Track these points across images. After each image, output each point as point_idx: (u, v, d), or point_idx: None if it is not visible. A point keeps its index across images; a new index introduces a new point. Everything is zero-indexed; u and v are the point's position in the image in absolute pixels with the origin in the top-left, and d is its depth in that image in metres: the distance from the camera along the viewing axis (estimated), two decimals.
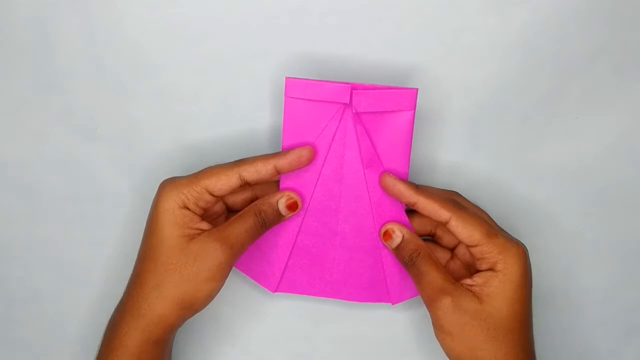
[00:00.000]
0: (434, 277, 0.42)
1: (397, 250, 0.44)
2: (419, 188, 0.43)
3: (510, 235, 0.43)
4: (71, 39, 0.47)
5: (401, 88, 0.43)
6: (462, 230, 0.42)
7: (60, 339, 0.51)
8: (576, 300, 0.50)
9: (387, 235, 0.44)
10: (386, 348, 0.50)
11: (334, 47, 0.47)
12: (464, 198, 0.45)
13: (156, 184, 0.44)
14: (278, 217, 0.44)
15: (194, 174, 0.43)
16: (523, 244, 0.43)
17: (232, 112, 0.48)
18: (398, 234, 0.44)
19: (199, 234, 0.42)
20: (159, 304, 0.42)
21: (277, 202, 0.44)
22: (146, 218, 0.44)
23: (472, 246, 0.42)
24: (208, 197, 0.43)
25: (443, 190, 0.45)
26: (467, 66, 0.47)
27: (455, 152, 0.48)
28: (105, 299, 0.50)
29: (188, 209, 0.43)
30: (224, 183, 0.43)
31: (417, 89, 0.43)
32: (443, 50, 0.46)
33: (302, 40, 0.47)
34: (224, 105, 0.48)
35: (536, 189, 0.49)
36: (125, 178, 0.48)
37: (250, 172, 0.43)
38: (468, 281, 0.42)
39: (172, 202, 0.42)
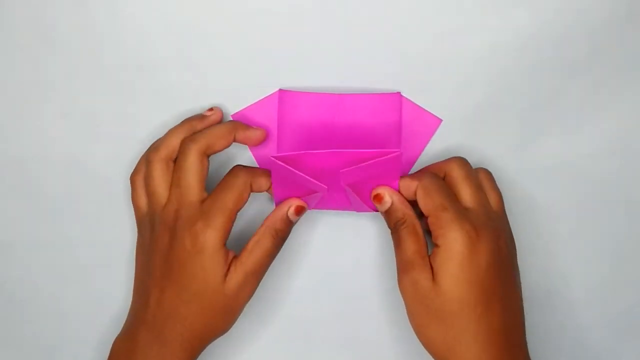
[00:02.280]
0: (408, 247, 0.42)
1: (386, 215, 0.44)
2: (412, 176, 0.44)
3: (470, 214, 0.42)
4: (71, 39, 0.47)
5: (384, 101, 0.46)
6: (420, 199, 0.43)
7: (60, 339, 0.51)
8: (575, 300, 0.50)
9: (377, 198, 0.44)
10: (386, 348, 0.50)
11: (333, 47, 0.47)
12: (462, 164, 0.44)
13: None
14: (291, 226, 0.45)
15: (216, 204, 0.42)
16: (487, 226, 0.41)
17: (231, 112, 0.48)
18: (387, 199, 0.44)
19: (229, 270, 0.43)
20: (191, 338, 0.43)
21: (287, 214, 0.44)
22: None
23: (425, 217, 0.42)
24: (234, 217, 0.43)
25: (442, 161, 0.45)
26: (467, 66, 0.47)
27: (454, 152, 0.48)
28: (105, 299, 0.50)
29: (225, 245, 0.43)
30: (244, 199, 0.43)
31: (398, 93, 0.45)
32: (443, 50, 0.46)
33: (303, 41, 0.47)
34: (224, 105, 0.48)
35: (536, 189, 0.49)
36: (125, 178, 0.48)
37: (259, 185, 0.44)
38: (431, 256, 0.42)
39: (217, 248, 0.42)
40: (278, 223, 0.44)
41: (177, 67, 0.47)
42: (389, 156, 0.41)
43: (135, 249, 0.47)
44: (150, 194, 0.44)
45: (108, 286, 0.50)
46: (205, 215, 0.42)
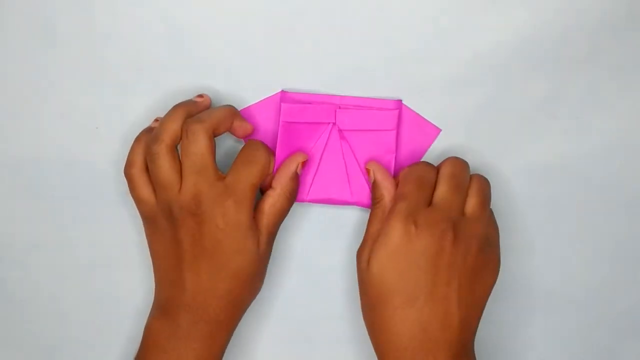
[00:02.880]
0: (371, 225, 0.45)
1: (371, 189, 0.47)
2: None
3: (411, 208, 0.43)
4: (71, 39, 0.47)
5: (384, 106, 0.46)
6: (372, 190, 0.46)
7: (60, 339, 0.51)
8: (576, 300, 0.50)
9: (367, 171, 0.47)
10: None
11: (334, 47, 0.47)
12: (453, 163, 0.45)
13: None
14: (298, 180, 0.46)
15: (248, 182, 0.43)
16: (435, 225, 0.42)
17: None
18: (371, 176, 0.46)
19: (259, 240, 0.44)
20: (234, 310, 0.44)
21: (296, 172, 0.45)
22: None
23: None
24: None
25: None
26: (467, 66, 0.47)
27: (454, 152, 0.48)
28: (105, 298, 0.50)
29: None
30: (267, 173, 0.45)
31: (398, 111, 0.46)
32: (443, 49, 0.46)
33: (303, 41, 0.47)
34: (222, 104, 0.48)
35: (536, 189, 0.49)
36: (125, 178, 0.48)
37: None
38: None
39: (251, 222, 0.43)
40: (290, 184, 0.45)
41: (177, 67, 0.47)
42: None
43: (148, 243, 0.46)
44: (160, 184, 0.43)
45: (108, 286, 0.50)
46: (232, 192, 0.42)
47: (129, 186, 0.45)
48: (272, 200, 0.45)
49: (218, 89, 0.48)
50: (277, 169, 0.46)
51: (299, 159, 0.46)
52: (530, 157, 0.48)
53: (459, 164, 0.45)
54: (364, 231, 0.45)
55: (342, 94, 0.47)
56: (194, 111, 0.45)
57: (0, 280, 0.50)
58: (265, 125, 0.47)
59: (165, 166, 0.43)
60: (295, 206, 0.47)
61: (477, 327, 0.44)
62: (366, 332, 0.49)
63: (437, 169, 0.45)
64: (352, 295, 0.50)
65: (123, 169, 0.45)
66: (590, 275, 0.50)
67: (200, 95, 0.46)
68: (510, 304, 0.48)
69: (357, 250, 0.45)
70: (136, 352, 0.45)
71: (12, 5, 0.47)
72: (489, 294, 0.44)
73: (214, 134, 0.43)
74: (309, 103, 0.47)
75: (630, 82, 0.47)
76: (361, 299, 0.45)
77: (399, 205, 0.43)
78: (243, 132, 0.46)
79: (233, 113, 0.45)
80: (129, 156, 0.45)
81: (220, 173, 0.43)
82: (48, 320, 0.51)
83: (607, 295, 0.50)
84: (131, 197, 0.45)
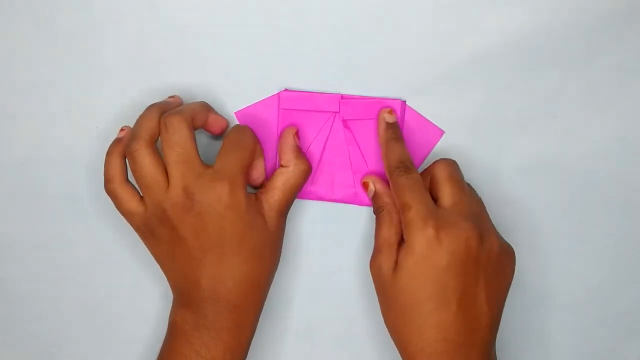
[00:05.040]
0: (381, 233, 0.45)
1: (371, 201, 0.47)
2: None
3: (432, 215, 0.42)
4: (71, 39, 0.47)
5: (388, 99, 0.47)
6: (394, 197, 0.45)
7: (60, 339, 0.51)
8: (576, 300, 0.50)
9: (364, 185, 0.47)
10: (386, 348, 0.50)
11: (334, 47, 0.47)
12: (446, 165, 0.45)
13: None
14: (304, 154, 0.47)
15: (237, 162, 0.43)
16: (455, 227, 0.42)
17: (232, 112, 0.48)
18: (371, 187, 0.47)
19: (264, 210, 0.44)
20: (257, 291, 0.45)
21: (295, 141, 0.46)
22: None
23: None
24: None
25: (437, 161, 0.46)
26: (466, 66, 0.47)
27: (454, 152, 0.48)
28: (105, 298, 0.50)
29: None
30: (253, 157, 0.45)
31: (404, 101, 0.46)
32: (442, 50, 0.46)
33: (303, 41, 0.47)
34: (224, 105, 0.48)
35: (536, 189, 0.49)
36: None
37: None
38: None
39: (248, 200, 0.43)
40: (301, 159, 0.46)
41: (177, 67, 0.47)
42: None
43: (149, 251, 0.46)
44: (146, 185, 0.42)
45: (108, 286, 0.50)
46: (224, 176, 0.42)
47: (114, 203, 0.45)
48: (285, 177, 0.45)
49: (219, 89, 0.48)
50: (281, 145, 0.46)
51: (291, 131, 0.46)
52: (531, 157, 0.48)
53: (449, 164, 0.45)
54: (370, 235, 0.45)
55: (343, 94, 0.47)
56: (167, 109, 0.44)
57: (0, 280, 0.50)
58: (266, 124, 0.47)
59: (147, 162, 0.42)
60: (296, 204, 0.47)
61: (500, 322, 0.44)
62: (366, 332, 0.49)
63: (428, 172, 0.45)
64: (352, 295, 0.50)
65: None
66: (590, 275, 0.49)
67: (172, 96, 0.46)
68: (510, 304, 0.48)
69: (369, 259, 0.45)
70: (159, 346, 0.45)
71: (12, 5, 0.47)
72: (510, 286, 0.44)
73: (193, 126, 0.43)
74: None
75: (630, 82, 0.47)
76: (384, 306, 0.44)
77: (409, 214, 0.42)
78: (219, 126, 0.46)
79: (207, 107, 0.45)
80: (105, 172, 0.44)
81: (206, 163, 0.43)
82: (48, 320, 0.51)
83: (607, 295, 0.50)
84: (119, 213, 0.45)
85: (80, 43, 0.47)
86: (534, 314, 0.49)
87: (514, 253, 0.45)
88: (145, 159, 0.42)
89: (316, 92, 0.47)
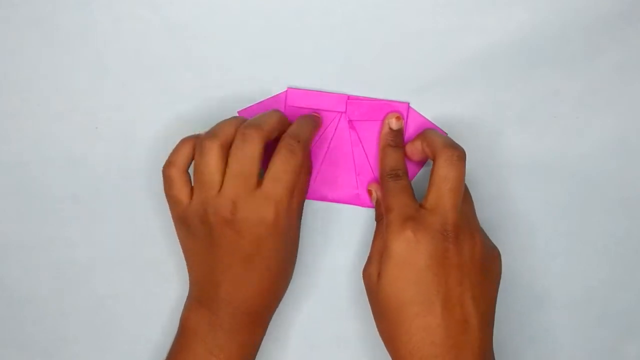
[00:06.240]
0: (376, 242, 0.45)
1: (375, 207, 0.48)
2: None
3: (408, 216, 0.42)
4: (71, 39, 0.47)
5: (394, 102, 0.47)
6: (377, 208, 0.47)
7: (60, 339, 0.51)
8: (575, 300, 0.50)
9: (368, 193, 0.48)
10: (385, 349, 0.50)
11: (334, 47, 0.47)
12: (449, 162, 0.43)
13: (156, 184, 0.44)
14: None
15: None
16: (434, 229, 0.41)
17: (232, 113, 0.48)
18: (374, 195, 0.48)
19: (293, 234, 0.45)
20: (273, 300, 0.46)
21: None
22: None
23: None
24: None
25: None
26: (466, 66, 0.47)
27: None
28: (105, 299, 0.50)
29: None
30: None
31: (408, 103, 0.46)
32: (442, 50, 0.46)
33: (303, 41, 0.47)
34: (224, 105, 0.48)
35: (535, 188, 0.49)
36: (125, 178, 0.48)
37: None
38: None
39: (288, 221, 0.44)
40: (303, 137, 0.45)
41: (177, 67, 0.47)
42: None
43: (180, 243, 0.46)
44: (202, 181, 0.43)
45: (108, 286, 0.50)
46: (270, 201, 0.42)
47: (165, 185, 0.45)
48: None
49: (218, 89, 0.48)
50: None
51: (312, 115, 0.47)
52: (531, 157, 0.48)
53: (455, 164, 0.43)
54: (371, 236, 0.45)
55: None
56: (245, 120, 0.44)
57: (0, 280, 0.50)
58: None
59: (212, 161, 0.42)
60: None
61: (494, 323, 0.44)
62: (366, 332, 0.49)
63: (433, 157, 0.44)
64: (352, 295, 0.50)
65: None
66: (590, 275, 0.50)
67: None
68: (510, 303, 0.48)
69: (362, 267, 0.45)
70: (170, 344, 0.45)
71: (12, 5, 0.47)
72: (499, 285, 0.44)
73: (268, 141, 0.43)
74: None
75: (630, 82, 0.47)
76: (374, 313, 0.44)
77: (390, 216, 0.42)
78: None
79: (284, 119, 0.45)
80: (171, 156, 0.45)
81: (260, 181, 0.43)
82: (48, 320, 0.51)
83: (607, 295, 0.50)
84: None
85: (80, 43, 0.47)
86: (533, 314, 0.49)
87: (499, 253, 0.44)
88: (212, 158, 0.42)
89: (323, 92, 0.47)
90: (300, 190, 0.46)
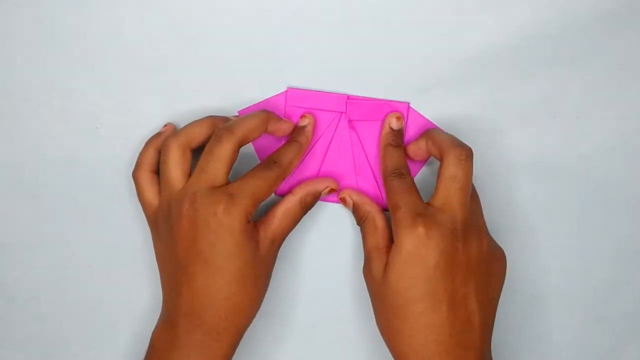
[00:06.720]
0: (368, 240, 0.45)
1: (353, 213, 0.47)
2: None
3: (418, 214, 0.41)
4: (71, 39, 0.47)
5: (394, 102, 0.47)
6: (355, 212, 0.47)
7: (60, 339, 0.51)
8: (576, 300, 0.50)
9: (342, 201, 0.48)
10: (385, 349, 0.50)
11: (334, 47, 0.47)
12: (458, 162, 0.43)
13: None
14: (318, 198, 0.47)
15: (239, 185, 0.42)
16: (445, 227, 0.41)
17: (232, 113, 0.48)
18: (349, 200, 0.47)
19: (259, 237, 0.44)
20: (234, 319, 0.43)
21: (322, 193, 0.47)
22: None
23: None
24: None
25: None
26: (466, 66, 0.47)
27: None
28: (105, 299, 0.50)
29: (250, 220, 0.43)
30: (271, 193, 0.44)
31: (408, 103, 0.47)
32: (442, 50, 0.46)
33: (303, 41, 0.47)
34: (224, 105, 0.48)
35: (535, 188, 0.49)
36: (125, 178, 0.48)
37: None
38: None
39: (246, 224, 0.42)
40: (309, 197, 0.46)
41: (177, 67, 0.47)
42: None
43: (153, 248, 0.46)
44: (165, 178, 0.43)
45: (108, 286, 0.50)
46: (231, 197, 0.42)
47: (136, 190, 0.46)
48: (288, 206, 0.45)
49: (218, 89, 0.48)
50: (307, 181, 0.46)
51: (331, 185, 0.47)
52: (531, 157, 0.48)
53: (463, 162, 0.43)
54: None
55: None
56: (220, 124, 0.45)
57: (0, 280, 0.50)
58: None
59: (173, 158, 0.43)
60: None
61: (493, 325, 0.44)
62: (366, 332, 0.49)
63: (439, 156, 0.44)
64: (352, 295, 0.50)
65: (123, 170, 0.45)
66: (590, 275, 0.50)
67: (165, 125, 0.47)
68: (510, 303, 0.48)
69: (362, 268, 0.45)
70: (141, 355, 0.45)
71: (13, 5, 0.47)
72: (502, 286, 0.44)
73: (242, 144, 0.43)
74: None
75: (630, 82, 0.47)
76: (376, 310, 0.44)
77: (398, 214, 0.42)
78: (283, 132, 0.46)
79: (265, 120, 0.44)
80: (138, 159, 0.46)
81: (228, 182, 0.43)
82: (48, 320, 0.51)
83: (607, 295, 0.50)
84: (132, 198, 0.45)
85: (80, 43, 0.47)
86: (533, 314, 0.49)
87: (504, 255, 0.44)
88: (171, 155, 0.43)
89: (323, 92, 0.47)
90: (288, 215, 0.45)
